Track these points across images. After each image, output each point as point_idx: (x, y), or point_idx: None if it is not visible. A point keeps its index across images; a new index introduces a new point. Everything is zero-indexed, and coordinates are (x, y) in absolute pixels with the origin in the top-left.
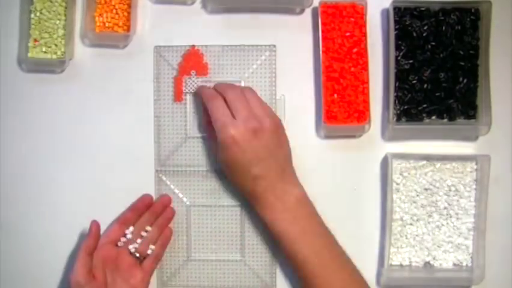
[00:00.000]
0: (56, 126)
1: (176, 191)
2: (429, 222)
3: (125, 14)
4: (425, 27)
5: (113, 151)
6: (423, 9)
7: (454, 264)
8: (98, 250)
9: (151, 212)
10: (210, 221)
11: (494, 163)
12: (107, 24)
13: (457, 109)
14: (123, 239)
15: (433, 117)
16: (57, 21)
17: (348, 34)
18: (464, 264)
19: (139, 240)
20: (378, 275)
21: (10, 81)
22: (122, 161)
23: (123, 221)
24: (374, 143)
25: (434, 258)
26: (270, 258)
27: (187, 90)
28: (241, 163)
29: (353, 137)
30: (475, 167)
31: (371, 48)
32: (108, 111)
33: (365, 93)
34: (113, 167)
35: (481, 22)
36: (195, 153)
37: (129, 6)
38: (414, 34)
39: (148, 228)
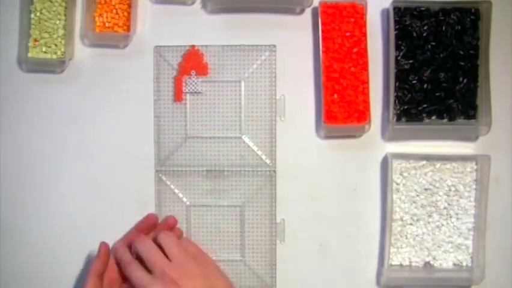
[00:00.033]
0: (56, 126)
1: (176, 191)
2: (429, 222)
3: (125, 14)
4: (425, 27)
5: (113, 151)
6: (423, 9)
7: (454, 264)
8: (106, 271)
9: (157, 232)
10: (210, 221)
11: (494, 163)
12: (107, 24)
13: (457, 109)
14: None
15: (433, 117)
16: (57, 21)
17: (348, 34)
18: (464, 264)
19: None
20: (378, 275)
21: (10, 81)
22: (122, 161)
23: (128, 241)
24: (374, 143)
25: (434, 258)
26: (270, 258)
27: (187, 90)
28: None
29: (353, 137)
30: (475, 167)
31: (371, 48)
32: (108, 111)
33: (365, 93)
34: (113, 167)
35: (481, 22)
36: (195, 153)
37: (129, 6)
38: (414, 34)
39: None
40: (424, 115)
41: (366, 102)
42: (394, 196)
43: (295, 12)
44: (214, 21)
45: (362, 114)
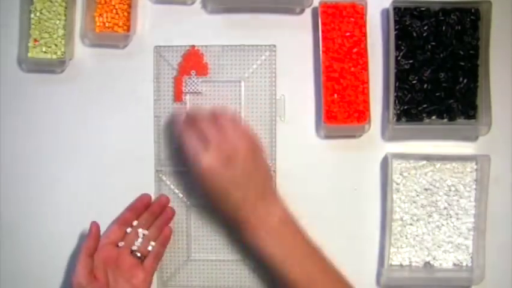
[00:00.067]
0: (56, 126)
1: (176, 191)
2: (429, 222)
3: (125, 14)
4: (425, 27)
5: (113, 151)
6: (423, 9)
7: (454, 264)
8: (98, 251)
9: (150, 212)
10: (210, 221)
11: (494, 163)
12: (107, 24)
13: (457, 109)
14: (123, 240)
15: (433, 117)
16: (57, 21)
17: (348, 34)
18: (464, 264)
19: (139, 240)
20: (378, 275)
21: (10, 81)
22: (122, 161)
23: (122, 221)
24: (374, 143)
25: (434, 258)
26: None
27: (187, 90)
28: (219, 191)
29: (353, 137)
30: (475, 167)
31: (371, 48)
32: (108, 111)
33: (365, 93)
34: (114, 167)
35: (481, 22)
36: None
37: (129, 6)
38: (414, 34)
39: (145, 231)
40: (424, 115)
41: (366, 102)
42: (394, 196)
43: (295, 12)
44: (214, 21)
45: (362, 114)
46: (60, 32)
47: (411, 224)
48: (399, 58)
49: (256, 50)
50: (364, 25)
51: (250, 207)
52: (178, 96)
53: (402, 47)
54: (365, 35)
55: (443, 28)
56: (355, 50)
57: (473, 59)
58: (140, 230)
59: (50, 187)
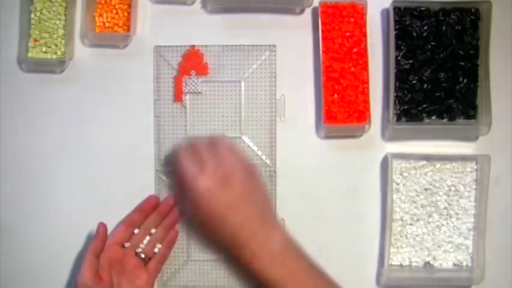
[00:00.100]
0: (56, 126)
1: None
2: (429, 222)
3: (125, 14)
4: (425, 27)
5: (113, 151)
6: (423, 9)
7: (454, 264)
8: (104, 252)
9: (157, 213)
10: None
11: (494, 163)
12: (107, 24)
13: (457, 109)
14: (129, 241)
15: (433, 117)
16: (57, 21)
17: (348, 34)
18: (464, 264)
19: (145, 242)
20: (378, 275)
21: (10, 81)
22: (122, 161)
23: (129, 222)
24: (374, 143)
25: (434, 258)
26: None
27: (187, 90)
28: (217, 214)
29: (353, 137)
30: (475, 167)
31: (371, 48)
32: (108, 111)
33: (365, 93)
34: (114, 167)
35: (481, 22)
36: None
37: (129, 6)
38: (414, 34)
39: (153, 230)
40: (424, 115)
41: (366, 102)
42: (394, 196)
43: (295, 12)
44: (214, 21)
45: (362, 114)
46: (61, 32)
47: (411, 224)
48: (399, 58)
49: (256, 50)
50: (364, 25)
51: (249, 232)
52: (178, 96)
53: (402, 47)
54: (365, 35)
55: (443, 28)
56: (355, 50)
57: (473, 59)
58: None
59: (50, 187)
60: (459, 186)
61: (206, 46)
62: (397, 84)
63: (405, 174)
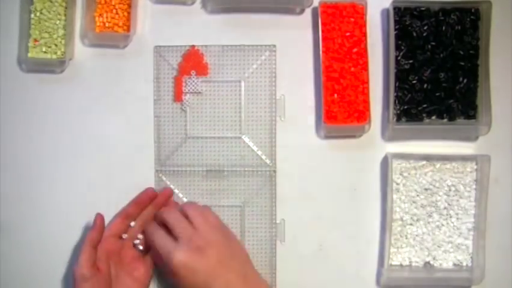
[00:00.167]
0: (56, 126)
1: (176, 191)
2: (429, 222)
3: (125, 14)
4: (425, 27)
5: (113, 151)
6: (423, 9)
7: (454, 264)
8: (102, 243)
9: (154, 205)
10: None
11: (494, 163)
12: (107, 24)
13: (457, 109)
14: (127, 233)
15: (433, 117)
16: (57, 21)
17: (348, 34)
18: (464, 264)
19: (141, 235)
20: (378, 275)
21: (10, 81)
22: (122, 161)
23: (125, 214)
24: (374, 143)
25: (434, 258)
26: (270, 258)
27: (187, 90)
28: (199, 283)
29: (353, 137)
30: (475, 167)
31: (371, 48)
32: (108, 111)
33: (365, 93)
34: (113, 167)
35: (481, 22)
36: (195, 153)
37: (129, 6)
38: (414, 34)
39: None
40: (424, 115)
41: (366, 102)
42: (394, 196)
43: (295, 12)
44: (214, 21)
45: (362, 114)
46: (61, 32)
47: (411, 224)
48: (399, 58)
49: (256, 50)
50: (364, 25)
51: None
52: (178, 96)
53: (402, 47)
54: (365, 35)
55: (443, 28)
56: (355, 50)
57: (473, 59)
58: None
59: (50, 187)
60: (459, 186)
61: (206, 46)
62: (397, 84)
63: (405, 174)
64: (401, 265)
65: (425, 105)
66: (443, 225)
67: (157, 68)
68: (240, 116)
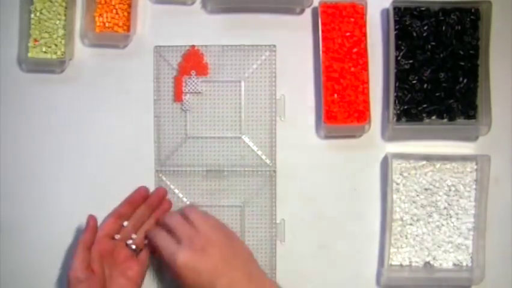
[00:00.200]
0: (56, 126)
1: (176, 191)
2: (429, 222)
3: (125, 14)
4: (425, 27)
5: (113, 151)
6: (423, 9)
7: (454, 264)
8: (95, 244)
9: (147, 204)
10: None
11: (494, 163)
12: (107, 24)
13: (457, 109)
14: (119, 232)
15: (433, 117)
16: (57, 21)
17: (348, 34)
18: (464, 264)
19: (135, 233)
20: (378, 275)
21: (10, 81)
22: (122, 161)
23: (118, 214)
24: (374, 143)
25: (434, 258)
26: (270, 258)
27: (187, 90)
28: (203, 283)
29: (353, 137)
30: (475, 167)
31: (371, 48)
32: (108, 111)
33: (365, 93)
34: (113, 167)
35: (481, 22)
36: (195, 153)
37: (129, 6)
38: (414, 34)
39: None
40: (424, 115)
41: (366, 102)
42: (394, 196)
43: (295, 12)
44: (214, 21)
45: (362, 114)
46: (60, 32)
47: (411, 224)
48: (399, 58)
49: (256, 50)
50: (364, 25)
51: None
52: (178, 96)
53: (402, 47)
54: (365, 35)
55: (443, 28)
56: (355, 50)
57: (473, 59)
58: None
59: (50, 187)
60: (459, 186)
61: (206, 46)
62: (397, 84)
63: (405, 174)
64: (401, 265)
65: (425, 105)
66: (443, 225)
67: (157, 68)
68: (240, 116)
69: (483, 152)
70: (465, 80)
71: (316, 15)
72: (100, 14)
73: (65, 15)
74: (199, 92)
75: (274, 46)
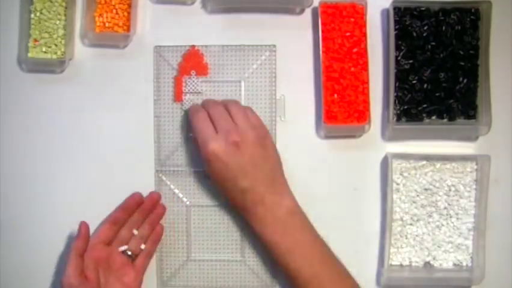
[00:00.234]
0: (56, 126)
1: (176, 191)
2: (429, 222)
3: (125, 14)
4: (425, 27)
5: (113, 151)
6: (423, 9)
7: (454, 264)
8: (89, 251)
9: (141, 210)
10: (210, 221)
11: (494, 163)
12: (107, 24)
13: (457, 109)
14: (115, 239)
15: (433, 117)
16: (57, 21)
17: (348, 34)
18: (464, 264)
19: (130, 239)
20: (378, 275)
21: (10, 81)
22: (122, 161)
23: (113, 220)
24: (374, 143)
25: (434, 258)
26: (270, 258)
27: (187, 90)
28: (226, 177)
29: (353, 137)
30: (475, 167)
31: (371, 48)
32: (108, 111)
33: (365, 93)
34: (113, 167)
35: (481, 22)
36: (195, 153)
37: (129, 6)
38: (414, 34)
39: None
40: (424, 115)
41: (366, 102)
42: (394, 196)
43: (295, 12)
44: (214, 21)
45: (362, 114)
46: (61, 32)
47: (411, 224)
48: (399, 58)
49: (256, 50)
50: (364, 25)
51: (257, 196)
52: (178, 96)
53: (402, 47)
54: (365, 35)
55: (443, 28)
56: (355, 50)
57: (473, 59)
58: (132, 230)
59: (50, 187)
60: (459, 186)
61: (206, 46)
62: (397, 84)
63: (405, 174)
64: (401, 265)
65: (425, 105)
66: (443, 225)
67: (157, 68)
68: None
69: (483, 152)
70: (465, 80)
71: (316, 15)
72: (100, 14)
73: (65, 15)
74: (199, 92)
75: (274, 46)
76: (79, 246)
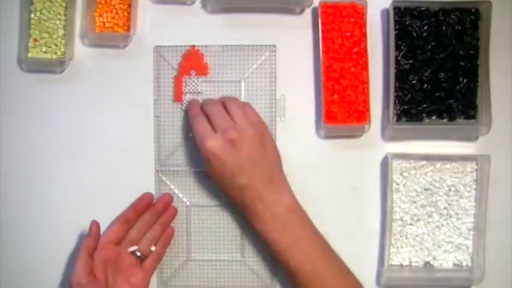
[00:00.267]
0: (56, 126)
1: (176, 191)
2: (429, 222)
3: (125, 14)
4: (425, 27)
5: (113, 151)
6: (423, 9)
7: (454, 264)
8: (98, 250)
9: (152, 211)
10: (210, 221)
11: (494, 163)
12: (107, 24)
13: (457, 109)
14: (124, 239)
15: (433, 117)
16: (57, 21)
17: (348, 34)
18: (464, 264)
19: (140, 240)
20: (378, 275)
21: (10, 81)
22: (122, 161)
23: (124, 220)
24: (374, 143)
25: (434, 258)
26: (270, 258)
27: (187, 90)
28: (224, 175)
29: (353, 137)
30: (475, 167)
31: (371, 48)
32: (108, 111)
33: (365, 93)
34: (113, 167)
35: (481, 22)
36: (195, 153)
37: (129, 6)
38: (414, 34)
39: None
40: (424, 115)
41: (366, 102)
42: (394, 196)
43: (295, 12)
44: (214, 21)
45: (362, 114)
46: (61, 32)
47: (411, 224)
48: (399, 58)
49: (256, 50)
50: (364, 25)
51: (256, 193)
52: (178, 96)
53: (402, 47)
54: (365, 35)
55: (443, 28)
56: (355, 50)
57: (473, 59)
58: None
59: (50, 187)
60: (459, 186)
61: (206, 46)
62: (397, 84)
63: (405, 174)
64: (401, 265)
65: (425, 105)
66: (443, 225)
67: (157, 68)
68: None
69: (483, 152)
70: (465, 80)
71: (316, 15)
72: (100, 14)
73: (65, 15)
74: (199, 92)
75: (274, 46)
76: (89, 245)
